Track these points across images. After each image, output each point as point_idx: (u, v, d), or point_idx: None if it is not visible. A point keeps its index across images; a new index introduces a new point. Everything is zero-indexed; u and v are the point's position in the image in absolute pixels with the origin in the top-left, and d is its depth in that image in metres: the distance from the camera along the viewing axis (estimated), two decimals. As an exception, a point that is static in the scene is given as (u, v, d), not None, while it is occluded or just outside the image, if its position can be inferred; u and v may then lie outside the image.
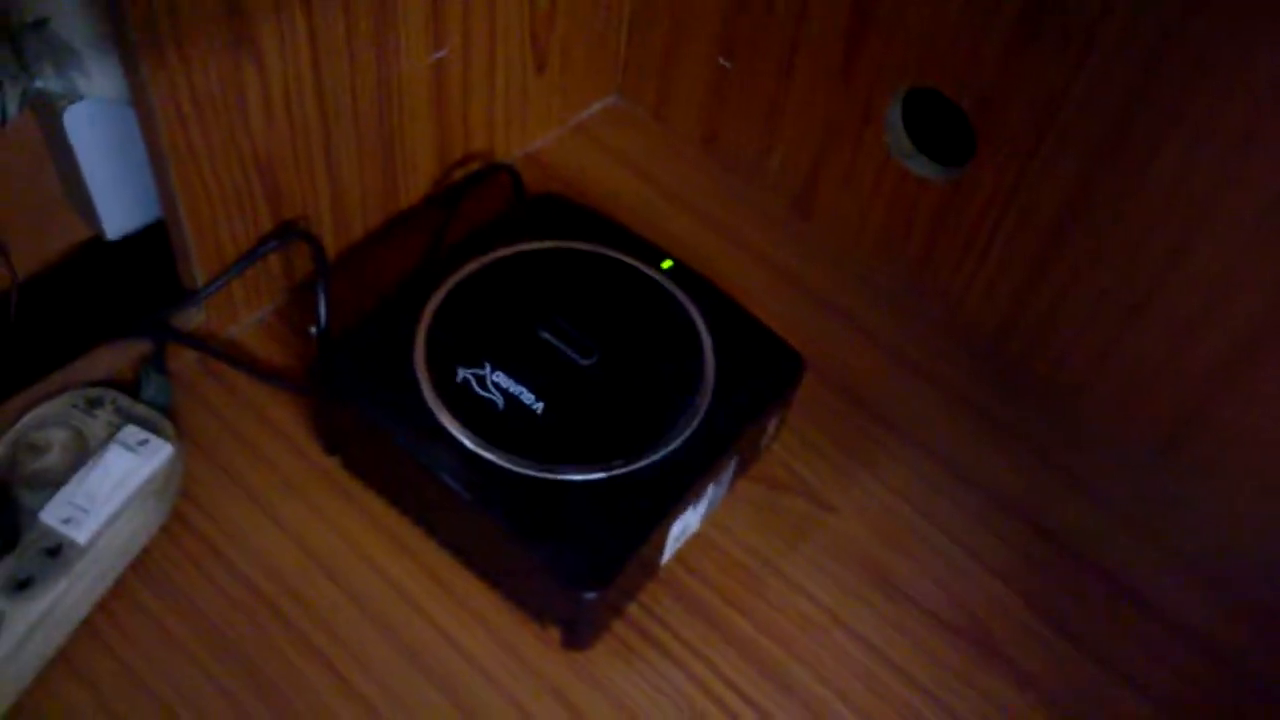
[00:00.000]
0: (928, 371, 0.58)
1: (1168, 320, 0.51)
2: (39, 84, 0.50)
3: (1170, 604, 0.51)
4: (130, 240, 0.59)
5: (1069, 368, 0.56)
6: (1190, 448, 0.54)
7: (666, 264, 0.52)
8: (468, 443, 0.45)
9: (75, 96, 0.52)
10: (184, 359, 0.53)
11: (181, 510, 0.49)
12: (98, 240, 0.59)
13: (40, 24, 0.48)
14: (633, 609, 0.48)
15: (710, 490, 0.48)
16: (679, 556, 0.50)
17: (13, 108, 0.51)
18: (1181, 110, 0.46)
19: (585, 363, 0.47)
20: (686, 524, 0.48)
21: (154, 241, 0.57)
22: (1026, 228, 0.54)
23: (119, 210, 0.58)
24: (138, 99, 0.45)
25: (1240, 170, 0.46)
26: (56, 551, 0.45)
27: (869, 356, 0.58)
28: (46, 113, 0.53)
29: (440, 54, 0.55)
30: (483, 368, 0.47)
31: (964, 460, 0.55)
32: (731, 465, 0.49)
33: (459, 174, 0.61)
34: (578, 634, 0.46)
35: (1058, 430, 0.56)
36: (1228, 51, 0.44)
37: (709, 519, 0.51)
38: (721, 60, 0.62)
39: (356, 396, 0.47)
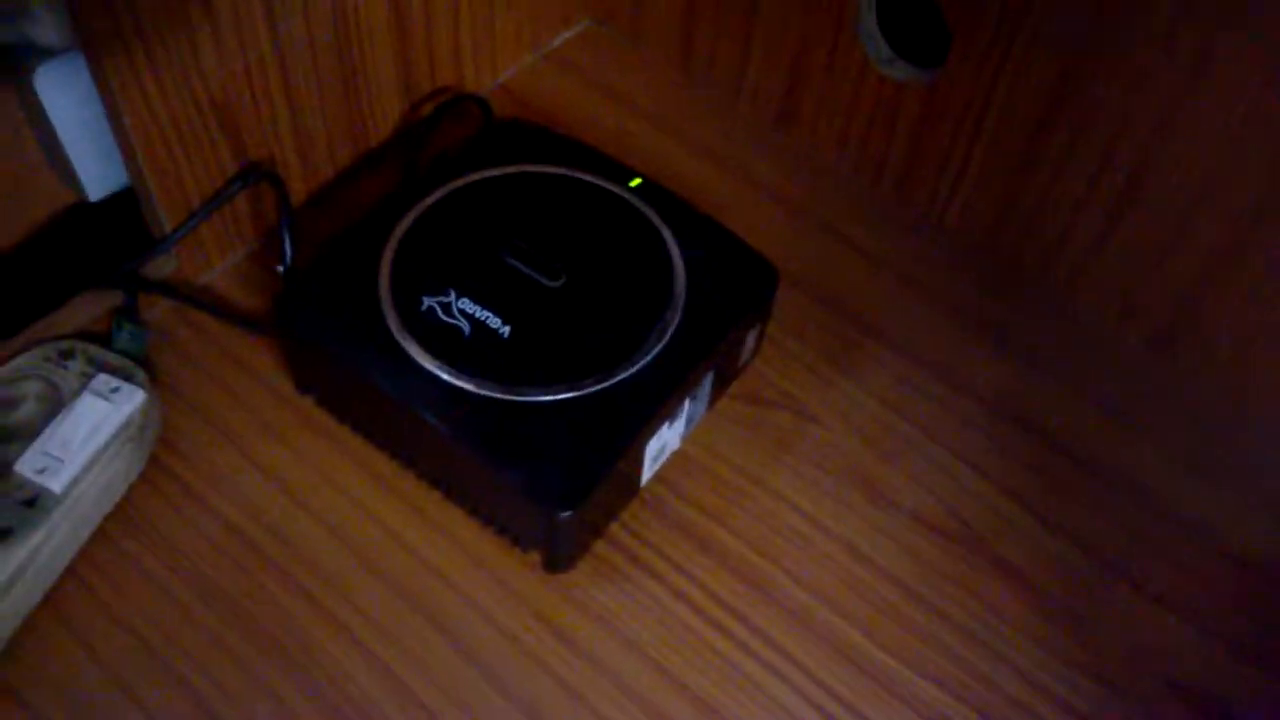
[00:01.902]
0: (912, 278, 0.57)
1: (1155, 213, 0.50)
2: (-9, 34, 0.50)
3: (1165, 497, 0.50)
4: (115, 201, 0.58)
5: (1057, 267, 0.55)
6: (1181, 343, 0.52)
7: (635, 182, 0.51)
8: (436, 371, 0.44)
9: (37, 52, 0.51)
10: (159, 308, 0.53)
11: (160, 457, 0.49)
12: (82, 203, 0.59)
13: (-14, -26, 0.48)
14: (615, 529, 0.48)
15: (687, 407, 0.47)
16: (660, 475, 0.49)
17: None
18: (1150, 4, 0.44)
19: (552, 284, 0.46)
20: (664, 442, 0.47)
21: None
22: (1008, 125, 0.52)
23: (99, 171, 0.57)
24: (85, 44, 0.45)
25: (1222, 51, 0.44)
26: (33, 501, 0.45)
27: (853, 266, 0.57)
28: (17, 77, 0.52)
29: (395, -19, 0.54)
30: (447, 294, 0.46)
31: (950, 364, 0.53)
32: (708, 381, 0.48)
33: (427, 108, 0.60)
34: (557, 556, 0.45)
35: (1047, 331, 0.55)
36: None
37: (691, 437, 0.50)
38: (690, -26, 0.60)
39: (321, 333, 0.46)
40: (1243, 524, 0.49)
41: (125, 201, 0.58)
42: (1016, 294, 0.56)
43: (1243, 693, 0.45)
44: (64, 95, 0.53)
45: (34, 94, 0.52)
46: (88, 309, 0.52)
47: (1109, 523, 0.49)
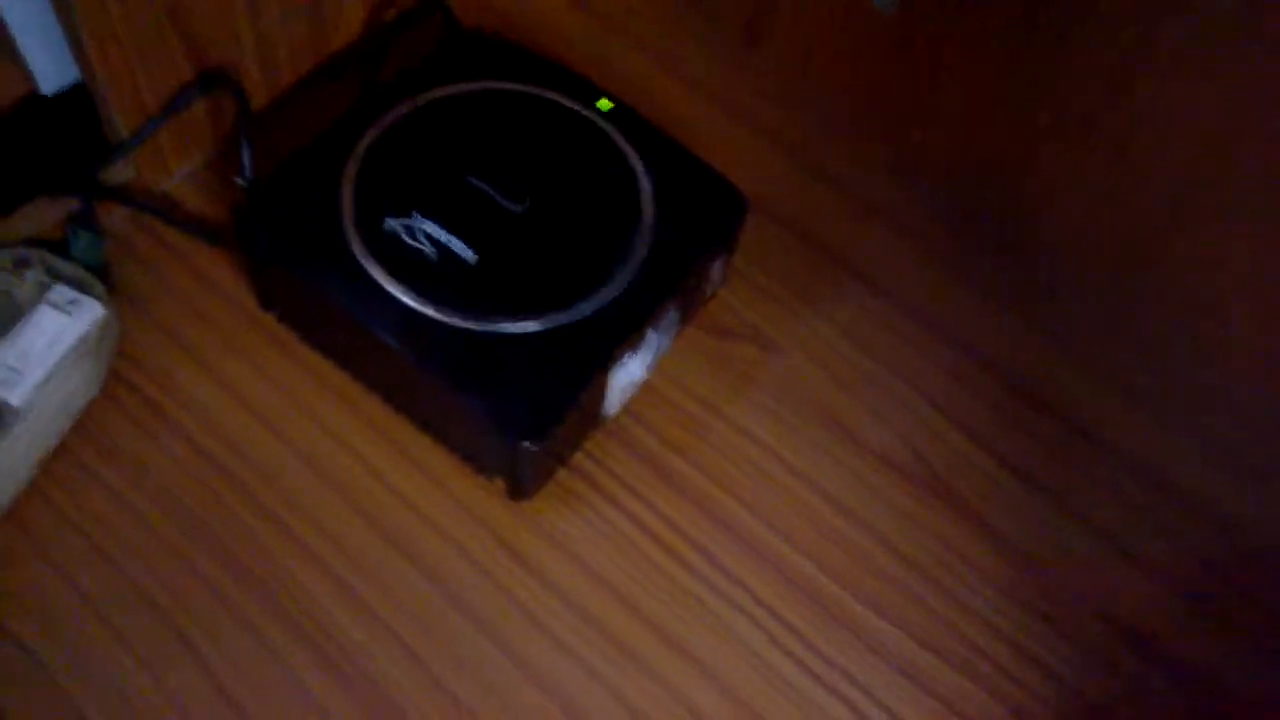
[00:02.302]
0: (881, 208, 0.56)
1: (1118, 149, 0.49)
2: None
3: (1126, 443, 0.51)
4: (73, 96, 0.56)
5: (1024, 201, 0.55)
6: (1141, 283, 0.53)
7: (604, 104, 0.50)
8: (400, 296, 0.44)
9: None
10: (116, 215, 0.52)
11: (121, 370, 0.48)
12: (36, 95, 0.57)
13: None
14: (579, 459, 0.48)
15: (653, 338, 0.47)
16: (628, 407, 0.49)
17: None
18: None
19: (517, 209, 0.46)
20: (630, 373, 0.47)
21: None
22: (977, 54, 0.51)
23: (52, 64, 0.55)
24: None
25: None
26: (-9, 415, 0.44)
27: (820, 196, 0.56)
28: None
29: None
30: (411, 216, 0.45)
31: (916, 299, 0.54)
32: (673, 311, 0.48)
33: (390, 14, 0.58)
34: (520, 484, 0.46)
35: (1015, 270, 0.55)
36: None
37: (658, 370, 0.50)
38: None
39: (282, 251, 0.45)
40: (1197, 470, 0.50)
41: (82, 97, 0.56)
42: (999, 235, 0.56)
43: (1189, 638, 0.46)
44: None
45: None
46: (43, 214, 0.51)
47: (1067, 466, 0.50)
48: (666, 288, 0.46)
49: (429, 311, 0.44)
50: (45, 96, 0.56)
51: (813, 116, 0.58)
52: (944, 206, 0.56)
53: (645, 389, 0.50)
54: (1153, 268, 0.52)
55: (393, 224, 0.45)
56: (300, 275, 0.45)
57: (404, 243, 0.45)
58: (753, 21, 0.59)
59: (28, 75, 0.55)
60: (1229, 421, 0.51)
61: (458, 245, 0.45)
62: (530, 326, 0.44)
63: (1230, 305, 0.51)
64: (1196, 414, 0.51)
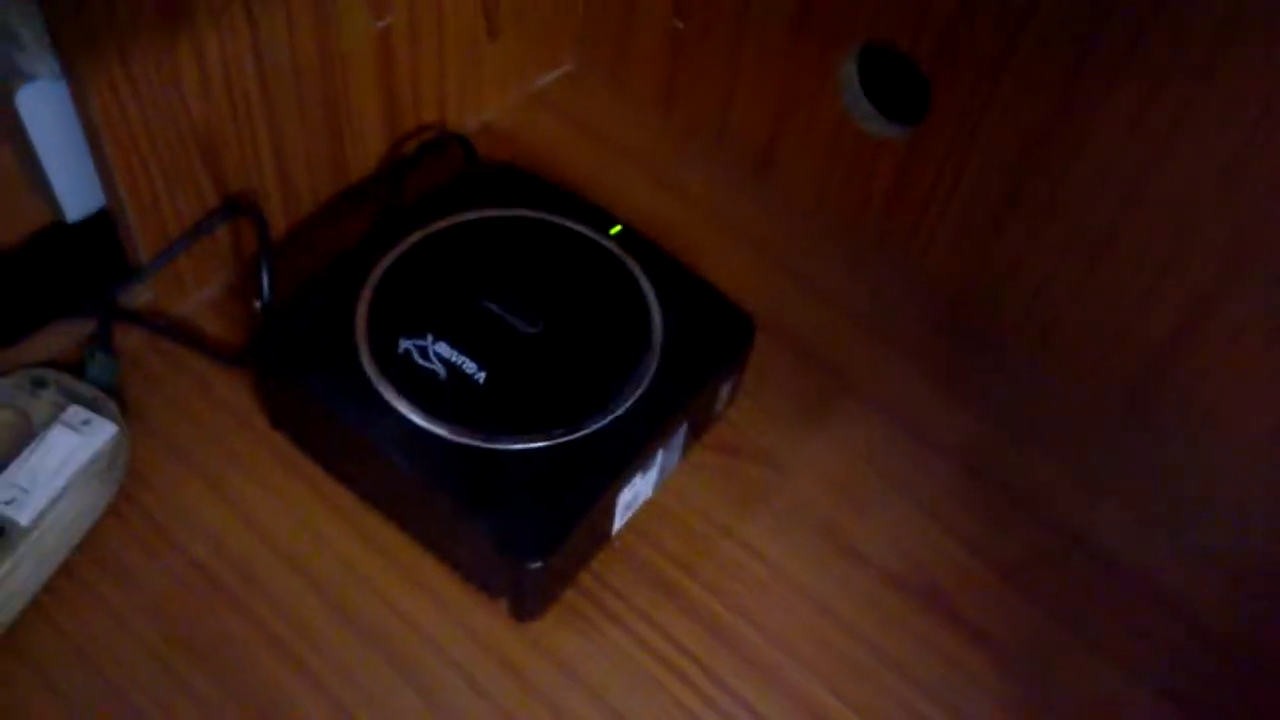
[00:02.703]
0: (887, 332, 0.57)
1: (1126, 274, 0.51)
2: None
3: (1132, 560, 0.50)
4: (95, 222, 0.58)
5: (1030, 325, 0.56)
6: (1152, 404, 0.53)
7: (615, 229, 0.51)
8: (409, 414, 0.44)
9: (21, 76, 0.51)
10: (132, 337, 0.53)
11: (129, 489, 0.49)
12: (60, 224, 0.59)
13: (-29, 1, 0.48)
14: (585, 578, 0.48)
15: (660, 457, 0.47)
16: (632, 524, 0.49)
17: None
18: (1133, 53, 0.45)
19: (529, 331, 0.47)
20: (637, 492, 0.47)
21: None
22: (984, 182, 0.53)
23: (78, 192, 0.57)
24: (69, 73, 0.45)
25: (1194, 116, 0.45)
26: None
27: (829, 319, 0.57)
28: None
29: (384, 22, 0.54)
30: (424, 338, 0.46)
31: (923, 420, 0.54)
32: (682, 431, 0.48)
33: (410, 145, 0.60)
34: (525, 605, 0.45)
35: (1019, 389, 0.56)
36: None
37: (663, 486, 0.51)
38: (676, 22, 0.61)
39: (296, 370, 0.46)
40: (1203, 589, 0.50)
41: (104, 223, 0.58)
42: (991, 350, 0.57)
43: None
44: (45, 115, 0.52)
45: (15, 112, 0.52)
46: (61, 337, 0.52)
47: (1072, 583, 0.49)
48: (674, 408, 0.46)
49: (437, 430, 0.44)
50: (68, 224, 0.58)
51: (824, 243, 0.60)
52: (951, 326, 0.57)
53: (652, 507, 0.50)
54: (1162, 394, 0.53)
55: (406, 344, 0.46)
56: (312, 394, 0.46)
57: (416, 363, 0.45)
58: (761, 156, 0.62)
59: (53, 203, 0.57)
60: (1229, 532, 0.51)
61: (469, 365, 0.45)
62: (537, 444, 0.44)
63: (1230, 422, 0.51)
64: (1215, 543, 0.51)
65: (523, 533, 0.43)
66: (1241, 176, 0.45)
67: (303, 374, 0.46)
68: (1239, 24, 0.42)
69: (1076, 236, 0.51)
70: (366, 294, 0.47)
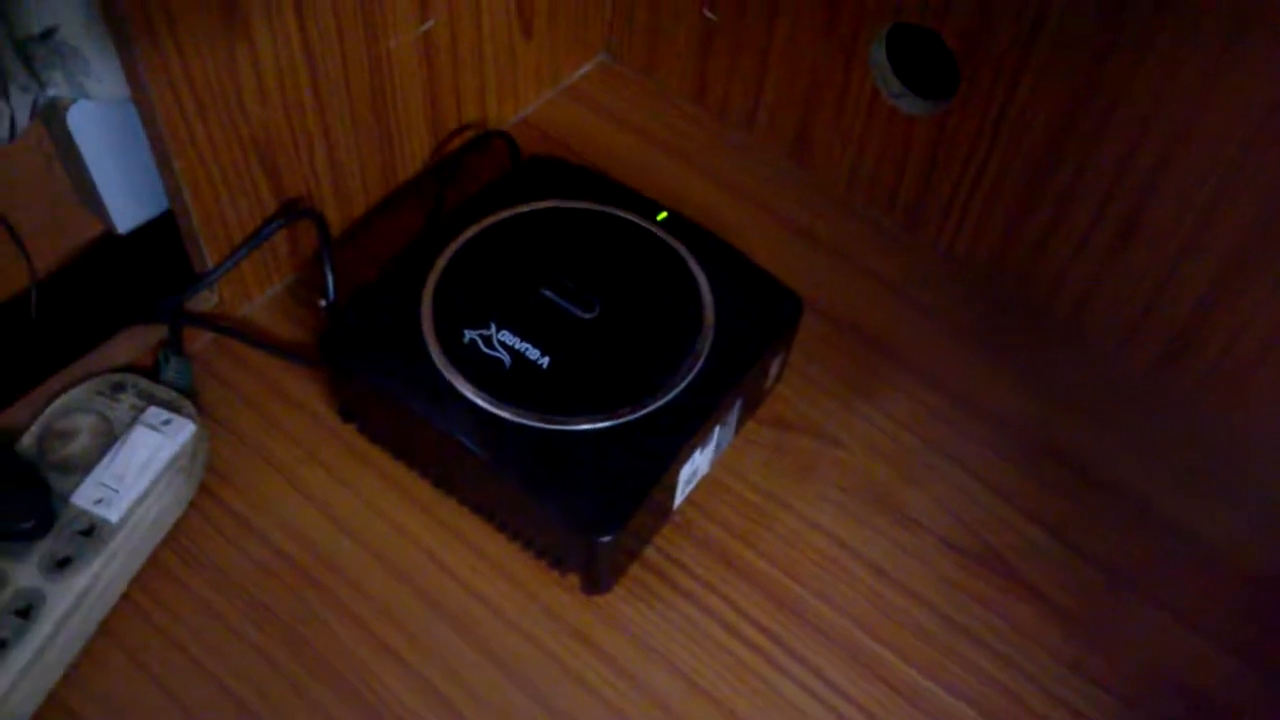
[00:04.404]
0: (927, 305, 0.59)
1: (1158, 237, 0.52)
2: (51, 93, 0.52)
3: (1178, 513, 0.52)
4: (142, 232, 0.60)
5: (1066, 290, 0.57)
6: (1185, 363, 0.55)
7: (661, 215, 0.53)
8: (478, 401, 0.46)
9: (80, 95, 0.53)
10: (201, 341, 0.55)
11: (209, 485, 0.51)
12: (110, 235, 0.61)
13: (48, 33, 0.49)
14: (649, 552, 0.50)
15: (717, 432, 0.49)
16: (691, 499, 0.51)
17: (23, 118, 0.52)
18: (1163, 18, 0.46)
19: (587, 316, 0.48)
20: (696, 467, 0.49)
21: (165, 232, 0.59)
22: (1016, 154, 0.54)
23: (128, 204, 0.59)
24: (137, 92, 0.47)
25: (1221, 82, 0.46)
26: (90, 532, 0.46)
27: (869, 294, 0.59)
28: (50, 113, 0.54)
29: (427, 25, 0.56)
30: (488, 328, 0.48)
31: (967, 387, 0.56)
32: (736, 407, 0.50)
33: (455, 143, 0.62)
34: (595, 579, 0.47)
35: (1057, 355, 0.57)
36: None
37: (718, 462, 0.52)
38: (706, 12, 0.63)
39: (367, 364, 0.48)
40: (1247, 540, 0.51)
41: (151, 233, 0.60)
42: (1026, 319, 0.58)
43: (1254, 702, 0.47)
44: (95, 131, 0.55)
45: (66, 131, 0.54)
46: (134, 343, 0.54)
47: (1123, 540, 0.51)
48: (730, 384, 0.48)
49: (506, 414, 0.46)
50: (120, 236, 0.60)
51: (861, 222, 0.62)
52: (988, 298, 0.59)
53: (708, 481, 0.52)
54: (1195, 352, 0.54)
55: (471, 334, 0.48)
56: (384, 386, 0.48)
57: (481, 352, 0.47)
58: (795, 140, 0.63)
59: (104, 216, 0.59)
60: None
61: (532, 352, 0.47)
62: (602, 424, 0.46)
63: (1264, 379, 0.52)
64: (1255, 494, 0.53)
65: (592, 509, 0.44)
66: (1267, 148, 0.46)
67: (374, 368, 0.48)
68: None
69: (1108, 203, 0.53)
70: (429, 288, 0.49)
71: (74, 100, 0.53)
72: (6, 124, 0.51)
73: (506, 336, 0.48)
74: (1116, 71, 0.49)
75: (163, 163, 0.50)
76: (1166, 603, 0.49)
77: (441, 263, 0.50)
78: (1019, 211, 0.56)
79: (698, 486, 0.51)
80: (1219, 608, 0.49)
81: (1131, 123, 0.50)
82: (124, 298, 0.59)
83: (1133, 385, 0.56)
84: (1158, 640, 0.48)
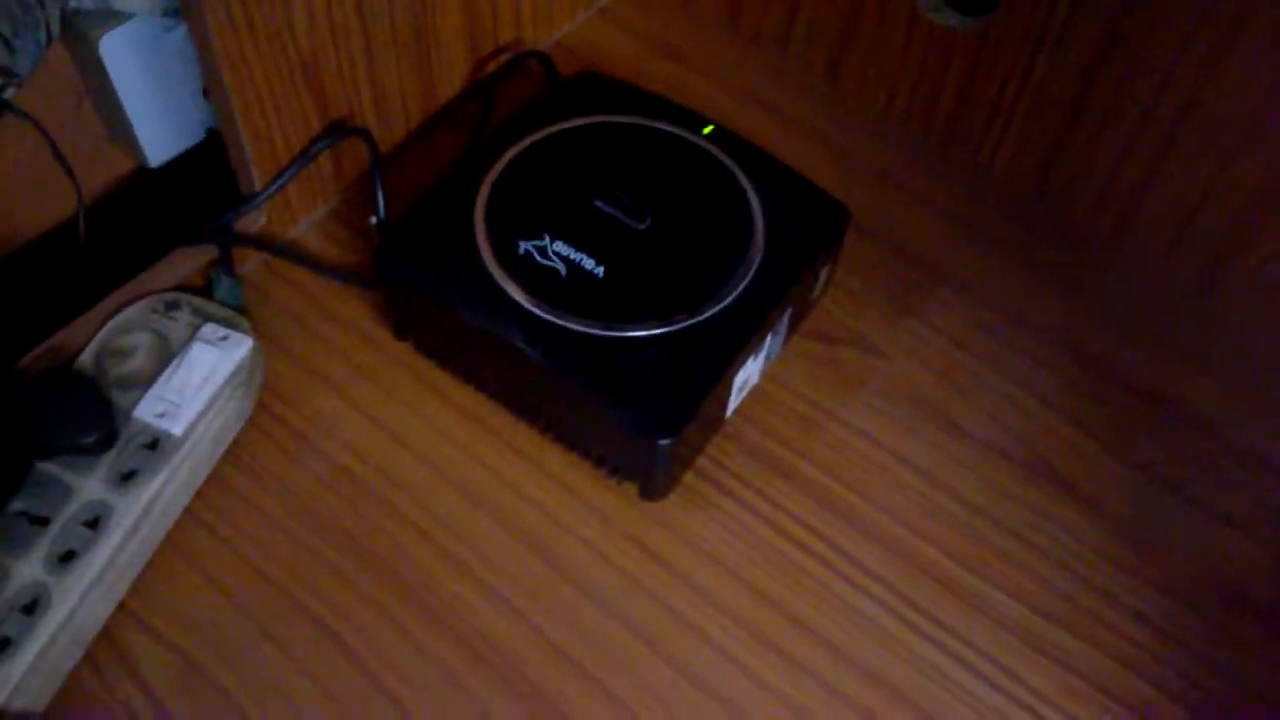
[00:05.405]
0: (968, 221, 0.59)
1: (1197, 156, 0.52)
2: (74, 3, 0.52)
3: (1226, 424, 0.52)
4: (172, 166, 0.60)
5: (1106, 208, 0.57)
6: (1228, 276, 0.55)
7: (707, 129, 0.53)
8: (536, 310, 0.47)
9: (108, 15, 0.53)
10: (250, 262, 0.55)
11: (265, 402, 0.51)
12: (142, 169, 0.61)
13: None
14: (701, 461, 0.50)
15: (768, 341, 0.50)
16: (741, 410, 0.52)
17: (55, 27, 0.52)
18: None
19: (640, 226, 0.49)
20: (748, 375, 0.50)
21: (195, 165, 0.59)
22: (1056, 72, 0.54)
23: (159, 137, 0.59)
24: (190, 13, 0.47)
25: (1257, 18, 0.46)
26: (154, 445, 0.47)
27: (910, 211, 0.59)
28: (81, 45, 0.54)
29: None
30: (542, 239, 0.48)
31: (1010, 301, 0.56)
32: (786, 316, 0.50)
33: (492, 65, 0.62)
34: (653, 484, 0.48)
35: (1100, 269, 0.58)
36: None
37: (767, 374, 0.53)
38: (741, -68, 0.62)
39: (424, 278, 0.49)
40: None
41: (182, 167, 0.60)
42: (1069, 234, 0.59)
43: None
44: (128, 62, 0.54)
45: (99, 61, 0.54)
46: (184, 264, 0.54)
47: (1170, 449, 0.52)
48: (781, 292, 0.49)
49: (563, 322, 0.46)
50: (151, 169, 0.60)
51: (899, 141, 0.62)
52: (1029, 215, 0.59)
53: (757, 392, 0.52)
54: (1238, 263, 0.55)
55: (526, 246, 0.48)
56: (442, 298, 0.48)
57: (536, 263, 0.48)
58: (831, 60, 0.63)
59: (136, 150, 0.59)
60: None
61: (587, 261, 0.48)
62: (659, 330, 0.46)
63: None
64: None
65: (652, 413, 0.45)
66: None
67: (431, 282, 0.48)
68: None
69: (1145, 128, 0.53)
70: (481, 203, 0.49)
71: (107, 28, 0.53)
72: (44, 31, 0.51)
73: (561, 247, 0.48)
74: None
75: (213, 83, 0.50)
76: (1216, 508, 0.50)
77: (492, 177, 0.50)
78: (1059, 127, 0.56)
79: (747, 398, 0.52)
80: (1263, 513, 0.50)
81: (1172, 40, 0.50)
82: (163, 228, 0.59)
83: (1177, 298, 0.57)
84: (1208, 544, 0.49)
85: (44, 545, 0.44)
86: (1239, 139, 0.51)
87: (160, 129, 0.59)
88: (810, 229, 0.51)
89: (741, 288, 0.48)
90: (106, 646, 0.45)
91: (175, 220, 0.58)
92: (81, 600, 0.44)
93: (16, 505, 0.45)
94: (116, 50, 0.54)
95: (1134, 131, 0.54)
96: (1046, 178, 0.59)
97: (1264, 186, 0.51)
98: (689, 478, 0.50)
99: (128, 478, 0.46)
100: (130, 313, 0.51)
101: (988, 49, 0.56)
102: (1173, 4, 0.49)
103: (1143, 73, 0.52)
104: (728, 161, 0.52)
